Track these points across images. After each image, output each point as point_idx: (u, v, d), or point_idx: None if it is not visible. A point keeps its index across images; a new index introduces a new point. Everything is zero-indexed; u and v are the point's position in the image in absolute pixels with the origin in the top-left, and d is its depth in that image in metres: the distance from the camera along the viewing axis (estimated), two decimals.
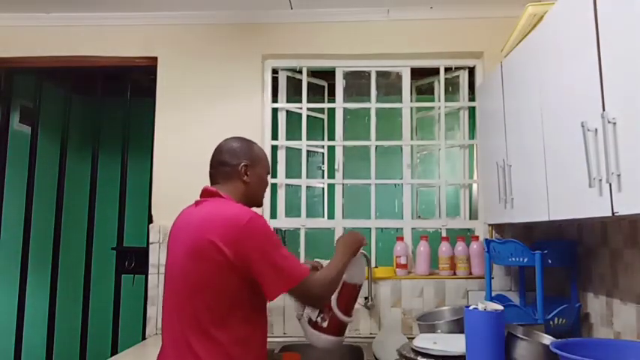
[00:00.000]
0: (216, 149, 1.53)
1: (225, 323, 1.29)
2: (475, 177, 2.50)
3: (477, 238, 2.36)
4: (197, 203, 1.45)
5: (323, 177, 2.66)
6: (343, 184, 2.52)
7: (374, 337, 2.09)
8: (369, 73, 2.57)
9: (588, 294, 1.91)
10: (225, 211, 1.34)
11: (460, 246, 2.32)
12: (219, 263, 1.28)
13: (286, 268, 1.32)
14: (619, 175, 1.14)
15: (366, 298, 2.25)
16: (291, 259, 1.34)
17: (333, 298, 1.62)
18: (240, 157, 1.47)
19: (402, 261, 2.33)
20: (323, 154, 2.69)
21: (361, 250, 1.69)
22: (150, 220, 2.40)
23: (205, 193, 1.46)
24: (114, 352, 2.45)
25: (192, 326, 1.29)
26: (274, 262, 1.30)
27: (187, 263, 1.32)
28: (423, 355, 1.59)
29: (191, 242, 1.32)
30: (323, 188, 2.72)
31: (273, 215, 2.48)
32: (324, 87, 2.76)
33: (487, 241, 2.11)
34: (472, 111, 2.54)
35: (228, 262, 1.27)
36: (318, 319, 1.64)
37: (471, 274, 2.30)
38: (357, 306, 2.23)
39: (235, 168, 1.46)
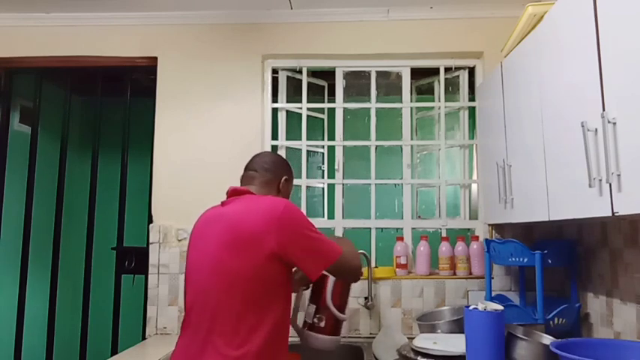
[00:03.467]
0: (259, 155, 1.66)
1: (263, 310, 1.33)
2: (475, 177, 2.50)
3: (477, 238, 2.36)
4: (224, 203, 1.48)
5: (323, 177, 2.66)
6: (343, 184, 2.52)
7: (374, 337, 2.08)
8: (369, 73, 2.57)
9: (588, 294, 1.91)
10: (262, 203, 1.41)
11: (460, 246, 2.32)
12: (262, 253, 1.32)
13: (324, 248, 1.41)
14: (619, 175, 1.14)
15: (366, 298, 2.25)
16: (325, 237, 1.43)
17: (329, 296, 1.64)
18: (283, 171, 1.63)
19: (402, 261, 2.33)
20: (323, 154, 2.68)
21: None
22: (150, 220, 2.40)
23: (234, 193, 1.50)
24: (114, 352, 2.45)
25: (228, 317, 1.31)
26: (312, 244, 1.38)
27: (226, 256, 1.35)
28: (423, 355, 1.60)
29: (231, 236, 1.36)
30: (323, 188, 2.72)
31: None
32: (324, 87, 2.76)
33: (487, 241, 2.11)
34: (472, 111, 2.54)
35: (270, 251, 1.32)
36: (315, 320, 1.65)
37: (471, 274, 2.30)
38: (357, 306, 2.25)
39: (279, 178, 1.60)
